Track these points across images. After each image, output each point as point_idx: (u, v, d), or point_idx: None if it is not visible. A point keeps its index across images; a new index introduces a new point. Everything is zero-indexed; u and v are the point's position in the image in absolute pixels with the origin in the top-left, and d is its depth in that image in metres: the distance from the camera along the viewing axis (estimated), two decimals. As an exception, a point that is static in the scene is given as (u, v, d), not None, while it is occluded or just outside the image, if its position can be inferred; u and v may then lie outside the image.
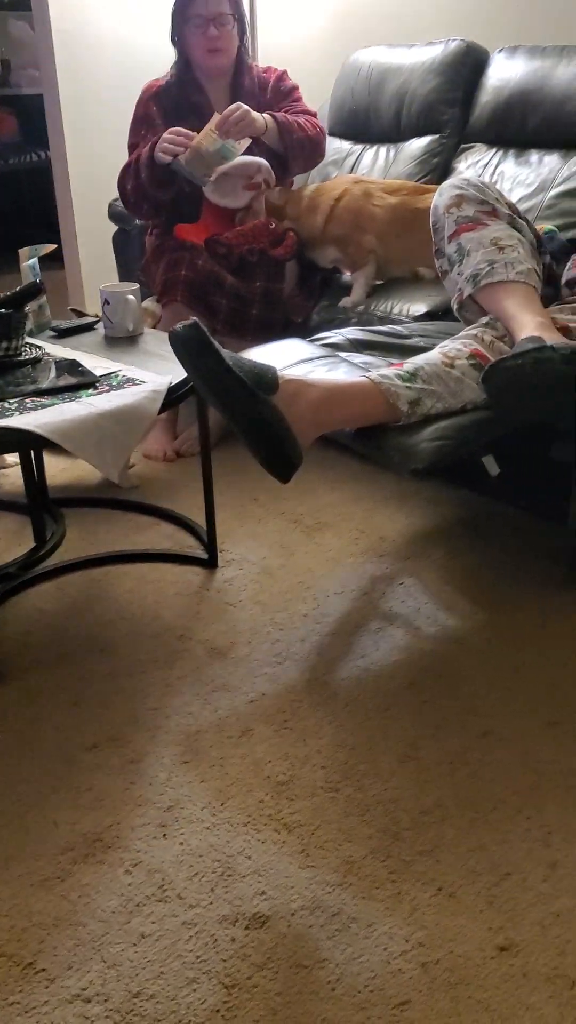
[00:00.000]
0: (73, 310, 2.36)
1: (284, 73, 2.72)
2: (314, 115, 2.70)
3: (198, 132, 2.45)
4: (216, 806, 1.42)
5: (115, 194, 3.01)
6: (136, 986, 1.14)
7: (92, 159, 3.37)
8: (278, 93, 2.66)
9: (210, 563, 2.09)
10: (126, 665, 1.76)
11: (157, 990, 1.14)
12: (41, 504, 2.26)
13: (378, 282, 2.55)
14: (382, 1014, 1.10)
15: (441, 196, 1.90)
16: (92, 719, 1.61)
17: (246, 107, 2.45)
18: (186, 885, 1.28)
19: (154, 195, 2.55)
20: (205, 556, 2.10)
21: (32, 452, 2.21)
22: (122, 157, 2.65)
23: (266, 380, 1.56)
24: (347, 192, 2.56)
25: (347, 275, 2.64)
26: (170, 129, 2.48)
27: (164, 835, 1.37)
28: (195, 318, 1.52)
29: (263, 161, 2.56)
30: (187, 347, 1.51)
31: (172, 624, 1.88)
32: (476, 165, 2.73)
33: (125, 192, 2.62)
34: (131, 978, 1.15)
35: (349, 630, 1.84)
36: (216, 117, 2.43)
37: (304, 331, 2.29)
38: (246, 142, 2.48)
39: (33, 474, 2.21)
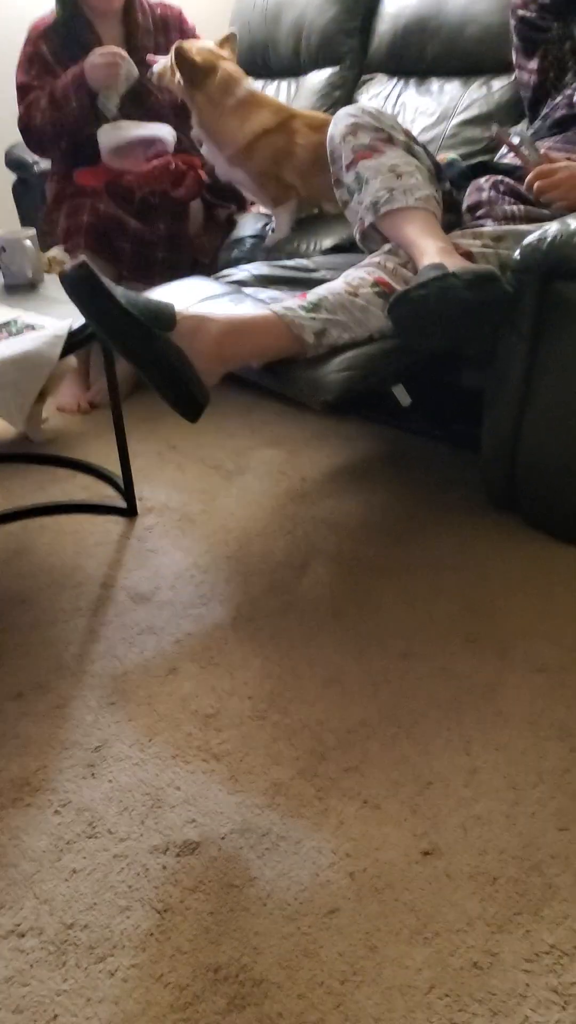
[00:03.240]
0: None
1: (182, 13, 2.66)
2: None
3: None
4: (144, 743, 1.43)
5: (11, 142, 2.93)
6: (69, 918, 1.16)
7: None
8: (183, 37, 2.60)
9: (129, 512, 2.08)
10: (48, 615, 1.75)
11: (91, 920, 1.15)
12: (-45, 462, 2.22)
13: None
14: (312, 923, 1.13)
15: (336, 125, 1.88)
16: (15, 669, 1.61)
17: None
18: (116, 820, 1.29)
19: (78, 125, 2.48)
20: (124, 505, 2.09)
21: None
22: (13, 103, 2.57)
23: (163, 318, 1.55)
24: (273, 130, 2.39)
25: (246, 214, 2.61)
26: (103, 50, 2.41)
27: (92, 774, 1.37)
28: (84, 258, 1.49)
29: (167, 135, 2.52)
30: (77, 288, 1.48)
31: (94, 573, 1.87)
32: (378, 96, 2.71)
33: (35, 129, 2.53)
34: (64, 911, 1.17)
35: (272, 568, 1.86)
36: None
37: (211, 272, 2.27)
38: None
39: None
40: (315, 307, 1.67)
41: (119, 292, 1.51)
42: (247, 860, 1.22)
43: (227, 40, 2.42)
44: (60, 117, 2.47)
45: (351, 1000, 1.04)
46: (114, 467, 2.18)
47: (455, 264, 1.68)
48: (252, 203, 2.64)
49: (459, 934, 1.10)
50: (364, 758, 1.37)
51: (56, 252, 2.46)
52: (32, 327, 1.75)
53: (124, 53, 2.42)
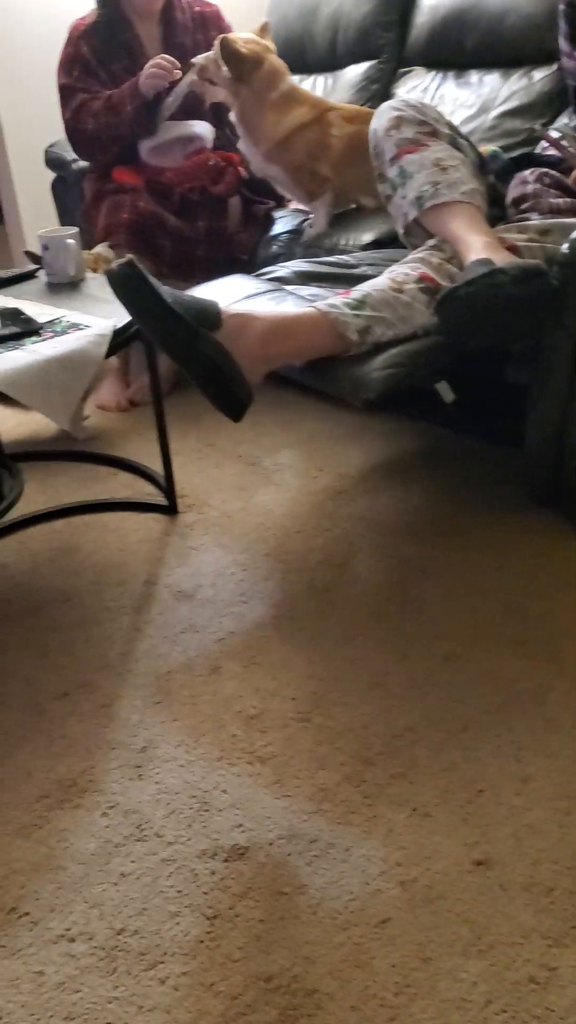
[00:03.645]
0: (27, 253, 2.28)
1: (220, 11, 2.65)
2: None
3: (133, 72, 2.40)
4: (190, 744, 1.42)
5: (51, 140, 2.93)
6: (119, 923, 1.15)
7: (25, 107, 3.26)
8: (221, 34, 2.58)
9: (170, 509, 2.08)
10: (93, 613, 1.75)
11: (140, 925, 1.15)
12: (-4, 459, 2.23)
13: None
14: (364, 933, 1.12)
15: (379, 119, 1.86)
16: (61, 668, 1.61)
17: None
18: (164, 823, 1.29)
19: (133, 133, 2.48)
20: (165, 503, 2.09)
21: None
22: (55, 102, 2.57)
23: (209, 316, 1.54)
24: (308, 124, 2.39)
25: (284, 210, 2.59)
26: (153, 62, 2.41)
27: (139, 776, 1.37)
28: (131, 255, 1.48)
29: (205, 132, 2.51)
30: (124, 286, 1.48)
31: (136, 571, 1.87)
32: (416, 89, 2.68)
33: (87, 135, 2.53)
34: (114, 916, 1.16)
35: (312, 566, 1.84)
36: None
37: (250, 269, 2.25)
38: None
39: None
40: (359, 304, 1.65)
41: (165, 291, 1.50)
42: (296, 867, 1.21)
43: (264, 29, 2.41)
44: (116, 123, 2.46)
45: (406, 1013, 1.02)
46: (155, 465, 2.17)
47: (502, 259, 1.65)
48: (290, 199, 2.62)
49: (515, 947, 1.09)
50: (412, 764, 1.35)
51: (102, 249, 2.44)
52: (77, 326, 1.74)
53: (173, 68, 2.41)
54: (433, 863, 1.20)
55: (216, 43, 2.28)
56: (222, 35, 2.29)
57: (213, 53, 2.32)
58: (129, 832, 1.28)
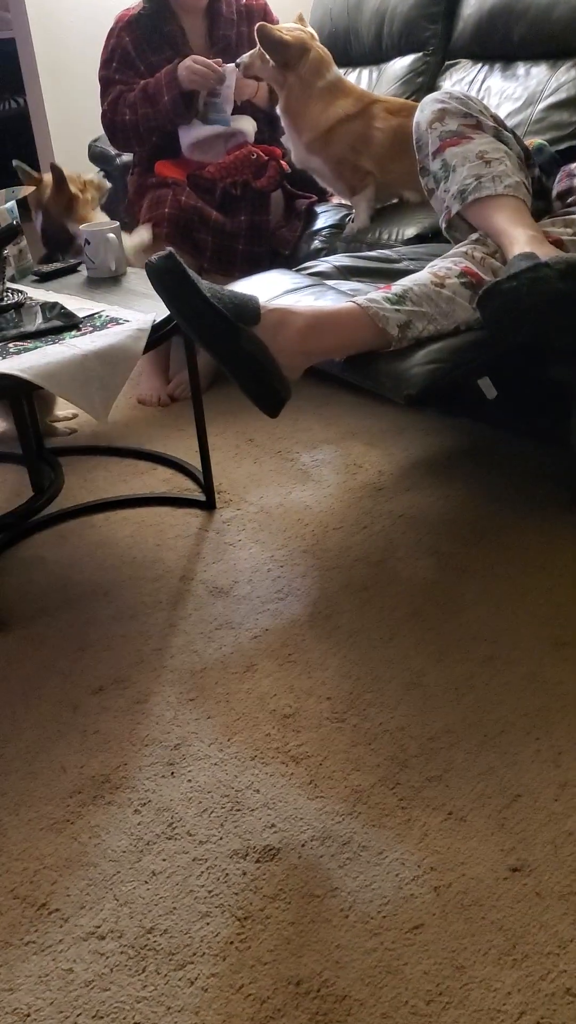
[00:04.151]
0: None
1: (267, 4, 2.64)
2: None
3: (171, 62, 2.41)
4: (223, 742, 1.41)
5: (95, 135, 2.94)
6: (149, 922, 1.14)
7: (71, 101, 3.27)
8: None
9: (208, 505, 2.07)
10: (129, 608, 1.75)
11: (170, 925, 1.14)
12: (37, 454, 2.23)
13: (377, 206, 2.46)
14: (396, 938, 1.10)
15: (423, 112, 1.83)
16: (97, 663, 1.61)
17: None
18: (195, 822, 1.28)
19: (171, 123, 2.49)
20: (203, 498, 2.08)
21: (25, 402, 2.17)
22: (97, 98, 2.57)
23: (248, 310, 1.52)
24: (353, 116, 2.35)
25: (326, 205, 2.57)
26: (193, 58, 2.41)
27: (172, 773, 1.36)
28: (170, 248, 1.47)
29: (248, 127, 2.50)
30: (163, 279, 1.47)
31: (173, 566, 1.86)
32: (461, 82, 2.64)
33: (122, 126, 2.53)
34: (144, 914, 1.15)
35: (349, 564, 1.82)
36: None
37: (291, 263, 2.23)
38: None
39: (27, 424, 2.18)
40: (400, 299, 1.62)
41: (204, 285, 1.49)
42: (328, 869, 1.19)
43: (301, 19, 2.40)
44: (152, 114, 2.46)
45: (438, 1022, 1.00)
46: (193, 460, 2.16)
47: (546, 253, 1.62)
48: (331, 194, 2.60)
49: (551, 957, 1.06)
50: (448, 767, 1.33)
51: (144, 231, 2.39)
52: (116, 321, 1.74)
53: (220, 71, 2.41)
54: (468, 869, 1.18)
55: (255, 32, 2.27)
56: (260, 23, 2.28)
57: (257, 49, 2.31)
58: (161, 830, 1.27)
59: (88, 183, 2.28)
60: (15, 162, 2.27)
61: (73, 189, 2.22)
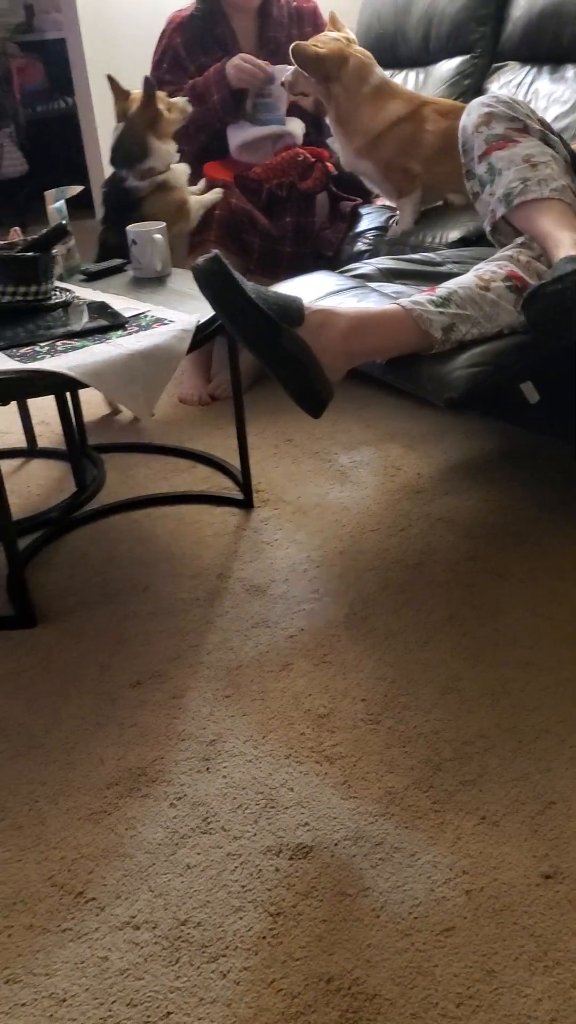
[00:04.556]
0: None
1: (317, 8, 2.65)
2: None
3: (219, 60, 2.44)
4: (258, 739, 1.42)
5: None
6: (183, 914, 1.16)
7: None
8: (317, 31, 2.58)
9: (246, 503, 2.08)
10: (167, 604, 1.77)
11: (204, 918, 1.15)
12: (80, 450, 2.27)
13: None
14: (427, 940, 1.11)
15: (469, 115, 1.83)
16: (135, 657, 1.63)
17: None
18: (230, 817, 1.29)
19: (220, 121, 2.52)
20: (241, 497, 2.10)
21: (69, 398, 2.21)
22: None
23: (291, 312, 1.53)
24: (404, 119, 2.34)
25: (370, 207, 2.57)
26: (242, 56, 2.44)
27: (207, 768, 1.38)
28: (216, 250, 1.49)
29: (296, 129, 2.52)
30: (209, 281, 1.48)
31: (211, 563, 1.88)
32: (509, 84, 2.63)
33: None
34: (178, 907, 1.17)
35: (386, 565, 1.83)
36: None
37: (334, 265, 2.24)
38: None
39: (71, 420, 2.21)
40: (444, 302, 1.62)
41: (249, 286, 1.50)
42: (360, 869, 1.20)
43: (333, 20, 2.40)
44: (201, 112, 2.49)
45: (467, 1024, 1.01)
46: (233, 459, 2.18)
47: (592, 258, 1.61)
48: (377, 195, 2.60)
49: (582, 964, 1.06)
50: (482, 772, 1.33)
51: (215, 192, 2.44)
52: (161, 321, 1.76)
53: (268, 71, 2.45)
54: (500, 873, 1.18)
55: (291, 53, 2.28)
56: (293, 43, 2.27)
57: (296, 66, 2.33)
58: (196, 824, 1.29)
59: (174, 105, 2.37)
60: (108, 75, 2.38)
61: (160, 107, 2.31)
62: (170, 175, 2.34)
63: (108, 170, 3.33)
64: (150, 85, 2.29)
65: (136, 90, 2.32)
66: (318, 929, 1.13)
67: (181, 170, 2.36)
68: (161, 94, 2.33)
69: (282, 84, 2.42)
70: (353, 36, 2.39)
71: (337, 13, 2.44)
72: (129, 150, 2.31)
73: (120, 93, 2.33)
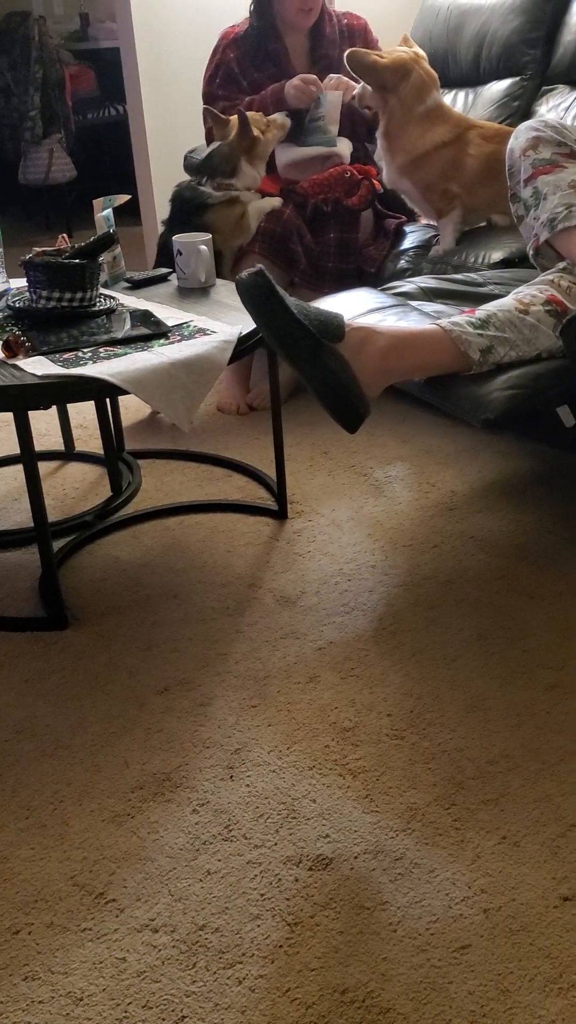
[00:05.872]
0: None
1: (367, 25, 2.68)
2: None
3: (278, 80, 2.47)
4: (282, 750, 1.44)
5: (191, 146, 3.00)
6: (202, 919, 1.18)
7: (169, 112, 3.36)
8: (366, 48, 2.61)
9: (280, 514, 2.10)
10: (197, 611, 1.79)
11: (222, 924, 1.17)
12: (117, 455, 2.30)
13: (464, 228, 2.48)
14: (443, 956, 1.11)
15: (517, 139, 1.84)
16: (164, 663, 1.65)
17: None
18: (251, 826, 1.31)
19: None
20: (275, 507, 2.11)
21: (108, 404, 2.24)
22: (199, 109, 2.63)
23: (332, 328, 1.55)
24: (448, 144, 2.38)
25: (414, 225, 2.59)
26: (302, 77, 2.50)
27: (231, 776, 1.39)
28: (260, 266, 1.51)
29: (344, 149, 2.56)
30: (252, 295, 1.51)
31: (243, 573, 1.90)
32: (558, 108, 2.64)
33: None
34: (197, 911, 1.19)
35: (417, 582, 1.84)
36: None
37: (376, 282, 2.26)
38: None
39: (109, 425, 2.24)
40: (484, 323, 1.64)
41: (292, 301, 1.52)
42: (379, 883, 1.21)
43: (406, 40, 2.42)
44: None
45: (480, 1043, 1.01)
46: (268, 470, 2.20)
47: None
48: (420, 214, 2.62)
49: (597, 990, 1.06)
50: (504, 792, 1.34)
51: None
52: (203, 331, 1.78)
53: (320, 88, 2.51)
54: (519, 894, 1.18)
55: (345, 58, 2.31)
56: (349, 50, 2.32)
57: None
58: (217, 831, 1.30)
59: (271, 123, 2.50)
60: (206, 107, 2.55)
61: (255, 131, 2.46)
62: (244, 193, 2.44)
63: (157, 176, 3.40)
64: (243, 117, 2.41)
65: (233, 117, 2.46)
66: (335, 941, 1.14)
67: (252, 195, 2.47)
68: (257, 116, 2.45)
69: (352, 98, 2.46)
70: (423, 54, 2.41)
71: (395, 31, 2.48)
72: (218, 166, 2.44)
73: (219, 121, 2.48)
